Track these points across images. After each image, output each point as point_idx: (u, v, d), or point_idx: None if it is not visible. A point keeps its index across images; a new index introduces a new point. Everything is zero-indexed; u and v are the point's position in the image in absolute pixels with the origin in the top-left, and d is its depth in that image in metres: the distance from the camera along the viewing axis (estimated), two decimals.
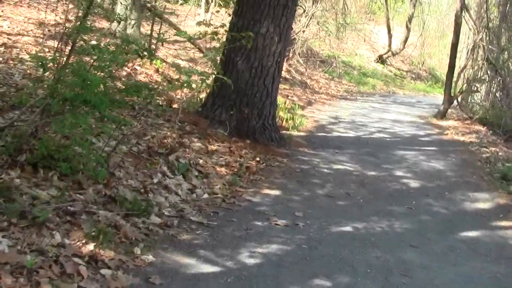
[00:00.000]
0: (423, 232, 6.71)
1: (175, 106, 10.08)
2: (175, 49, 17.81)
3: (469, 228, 7.13)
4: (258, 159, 8.65)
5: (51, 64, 5.60)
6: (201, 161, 7.73)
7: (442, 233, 6.77)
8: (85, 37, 5.97)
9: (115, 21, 14.97)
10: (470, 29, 18.43)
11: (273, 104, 9.79)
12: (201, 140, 8.68)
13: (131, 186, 6.08)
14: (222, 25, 8.95)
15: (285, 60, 21.46)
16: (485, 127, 16.66)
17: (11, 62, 9.64)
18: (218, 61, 9.78)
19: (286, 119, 12.39)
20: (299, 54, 22.34)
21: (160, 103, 10.29)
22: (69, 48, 6.05)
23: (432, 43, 36.30)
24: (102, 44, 5.87)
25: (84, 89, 5.04)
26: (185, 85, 7.13)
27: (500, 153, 12.47)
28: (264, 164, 8.56)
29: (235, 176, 7.64)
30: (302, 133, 11.77)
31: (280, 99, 14.55)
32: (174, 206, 6.21)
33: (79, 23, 5.86)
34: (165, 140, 7.83)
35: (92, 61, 5.67)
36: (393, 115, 17.51)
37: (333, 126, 13.61)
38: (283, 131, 11.36)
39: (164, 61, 14.97)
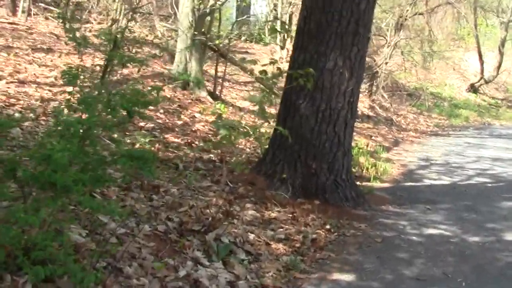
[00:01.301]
0: None
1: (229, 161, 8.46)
2: (247, 90, 16.33)
3: None
4: (328, 226, 6.85)
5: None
6: (251, 237, 6.00)
7: None
8: None
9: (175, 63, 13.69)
10: None
11: (347, 154, 7.96)
12: (256, 205, 6.99)
13: None
14: (273, 61, 7.18)
15: (368, 96, 19.75)
16: None
17: (43, 118, 8.29)
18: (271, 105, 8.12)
19: (367, 167, 10.55)
20: (383, 88, 20.46)
21: (213, 158, 8.71)
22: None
23: None
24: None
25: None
26: (223, 141, 5.44)
27: None
28: (336, 233, 6.74)
29: (295, 255, 5.87)
30: (386, 184, 9.90)
31: (361, 141, 12.84)
32: None
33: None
34: (208, 211, 6.17)
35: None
36: (492, 152, 15.39)
37: (423, 171, 11.67)
38: (364, 183, 9.57)
39: (232, 105, 13.46)
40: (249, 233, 6.06)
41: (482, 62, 29.25)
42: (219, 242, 5.54)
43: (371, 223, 7.28)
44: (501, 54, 29.64)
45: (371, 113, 18.14)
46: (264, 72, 7.22)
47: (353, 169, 10.02)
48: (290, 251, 5.98)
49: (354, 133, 14.27)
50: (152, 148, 8.13)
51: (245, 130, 6.70)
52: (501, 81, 31.71)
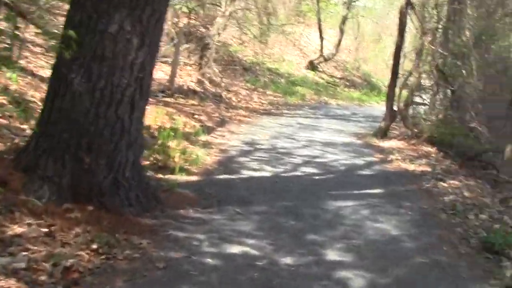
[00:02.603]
0: None
1: None
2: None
3: None
4: (95, 245, 5.06)
5: None
6: None
7: None
8: None
9: None
10: (416, 29, 15.15)
11: (133, 145, 6.15)
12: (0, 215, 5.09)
13: None
14: None
15: (198, 69, 18.05)
16: (434, 148, 13.60)
17: None
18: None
19: (173, 156, 8.81)
20: (215, 61, 18.83)
21: None
22: None
23: (368, 47, 33.66)
24: None
25: None
26: None
27: (465, 193, 9.29)
28: (105, 255, 4.97)
29: None
30: (194, 177, 8.23)
31: (179, 121, 11.13)
32: None
33: None
34: None
35: None
36: (325, 134, 14.29)
37: (244, 158, 10.17)
38: (167, 176, 7.89)
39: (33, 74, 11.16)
40: None
41: (322, 39, 28.46)
42: None
43: (157, 237, 5.57)
44: (342, 32, 29.03)
45: (198, 88, 16.46)
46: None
47: (158, 157, 8.36)
48: None
49: (173, 111, 12.72)
50: None
51: None
52: (341, 59, 31.20)
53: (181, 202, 6.85)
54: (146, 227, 5.76)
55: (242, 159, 10.07)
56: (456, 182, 10.16)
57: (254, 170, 9.22)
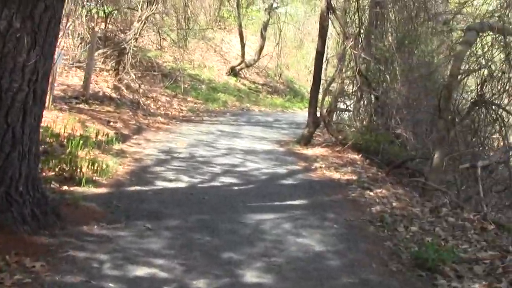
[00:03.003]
0: None
1: None
2: None
3: None
4: None
5: None
6: None
7: None
8: None
9: None
10: (338, 34, 14.87)
11: (28, 156, 5.51)
12: None
13: None
14: None
15: (114, 75, 17.34)
16: (360, 155, 13.32)
17: None
18: None
19: (81, 166, 8.16)
20: (132, 67, 18.13)
21: None
22: None
23: (290, 53, 33.44)
24: None
25: None
26: None
27: (393, 203, 8.94)
28: None
29: None
30: (103, 190, 7.60)
31: (91, 128, 10.50)
32: None
33: None
34: None
35: None
36: (246, 142, 13.84)
37: (160, 168, 9.60)
38: (73, 188, 7.27)
39: None
40: None
41: (243, 45, 28.01)
42: None
43: (53, 259, 4.94)
44: (263, 38, 28.61)
45: (114, 95, 15.78)
46: None
47: (64, 168, 7.73)
48: None
49: (87, 118, 12.04)
50: None
51: None
52: (262, 65, 30.80)
53: (85, 217, 6.24)
54: (41, 247, 5.13)
55: (157, 168, 9.50)
56: (384, 191, 9.82)
57: (169, 180, 8.66)
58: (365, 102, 15.42)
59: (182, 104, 19.69)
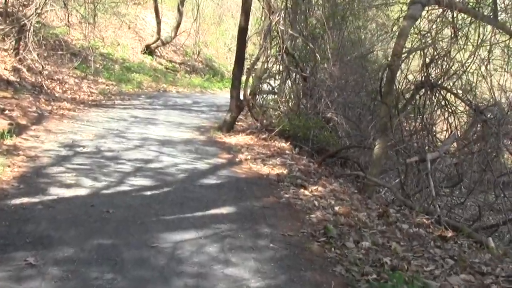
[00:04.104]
0: None
1: None
2: None
3: None
4: None
5: None
6: None
7: None
8: None
9: None
10: (263, 8, 13.41)
11: None
12: None
13: None
14: None
15: (14, 55, 15.48)
16: (288, 143, 12.05)
17: None
18: None
19: None
20: (35, 45, 16.23)
21: None
22: None
23: (209, 29, 31.98)
24: None
25: None
26: None
27: (335, 206, 7.66)
28: None
29: None
30: None
31: None
32: None
33: None
34: None
35: None
36: (162, 130, 12.40)
37: (58, 168, 7.97)
38: None
39: None
40: None
41: (159, 21, 26.26)
42: None
43: None
44: (180, 13, 26.93)
45: (13, 78, 13.94)
46: None
47: None
48: None
49: None
50: None
51: None
52: (180, 43, 29.22)
53: None
54: None
55: (54, 169, 7.86)
56: (320, 188, 8.55)
57: (67, 186, 7.03)
58: (292, 83, 14.14)
59: (93, 86, 17.97)
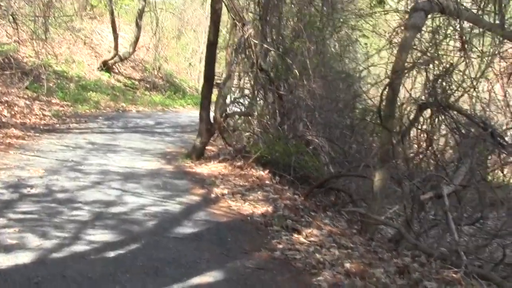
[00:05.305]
0: None
1: None
2: None
3: None
4: None
5: None
6: None
7: None
8: None
9: None
10: (234, 19, 11.97)
11: None
12: None
13: None
14: None
15: None
16: (266, 171, 10.72)
17: None
18: None
19: None
20: None
21: None
22: None
23: (169, 44, 30.61)
24: None
25: None
26: None
27: (345, 263, 6.22)
28: None
29: None
30: None
31: None
32: None
33: None
34: None
35: None
36: (124, 159, 11.01)
37: None
38: None
39: None
40: None
41: (116, 36, 24.85)
42: None
43: None
44: (139, 27, 25.56)
45: None
46: None
47: None
48: None
49: None
50: None
51: None
52: (139, 58, 27.83)
53: None
54: None
55: None
56: (315, 231, 7.19)
57: (5, 250, 5.39)
58: (267, 102, 12.80)
59: (45, 108, 16.42)
